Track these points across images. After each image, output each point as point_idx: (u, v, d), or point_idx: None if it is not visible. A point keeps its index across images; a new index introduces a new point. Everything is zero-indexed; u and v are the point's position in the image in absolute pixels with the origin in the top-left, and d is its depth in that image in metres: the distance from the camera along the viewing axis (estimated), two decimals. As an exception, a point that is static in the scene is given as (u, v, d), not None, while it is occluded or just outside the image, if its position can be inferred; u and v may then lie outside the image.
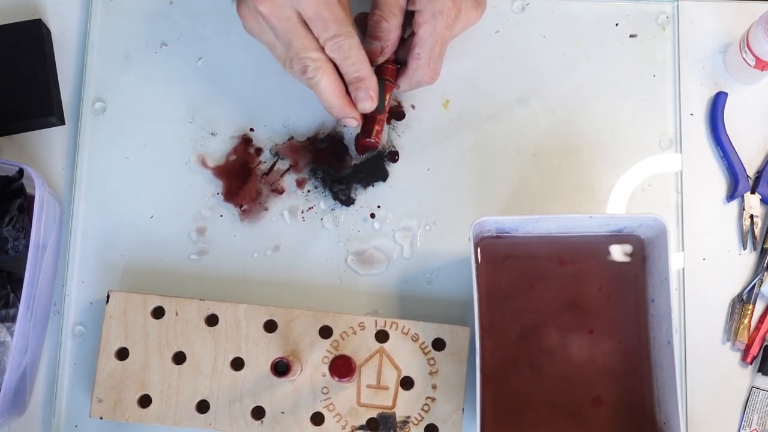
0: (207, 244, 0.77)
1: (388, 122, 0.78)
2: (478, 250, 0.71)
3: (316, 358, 0.72)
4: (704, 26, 0.79)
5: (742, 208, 0.76)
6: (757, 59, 0.73)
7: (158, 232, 0.77)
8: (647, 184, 0.77)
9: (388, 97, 0.73)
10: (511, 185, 0.77)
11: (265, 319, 0.73)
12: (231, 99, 0.79)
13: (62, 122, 0.79)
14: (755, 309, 0.75)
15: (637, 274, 0.71)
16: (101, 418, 0.72)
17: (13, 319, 0.71)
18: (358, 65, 0.69)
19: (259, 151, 0.78)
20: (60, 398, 0.75)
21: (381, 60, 0.72)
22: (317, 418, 0.71)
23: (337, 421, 0.71)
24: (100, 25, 0.80)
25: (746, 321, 0.74)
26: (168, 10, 0.81)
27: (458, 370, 0.71)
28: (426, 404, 0.71)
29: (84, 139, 0.79)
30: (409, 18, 0.73)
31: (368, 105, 0.71)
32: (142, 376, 0.72)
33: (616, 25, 0.80)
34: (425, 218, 0.77)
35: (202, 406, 0.72)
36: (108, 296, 0.73)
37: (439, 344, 0.72)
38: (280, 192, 0.77)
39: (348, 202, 0.77)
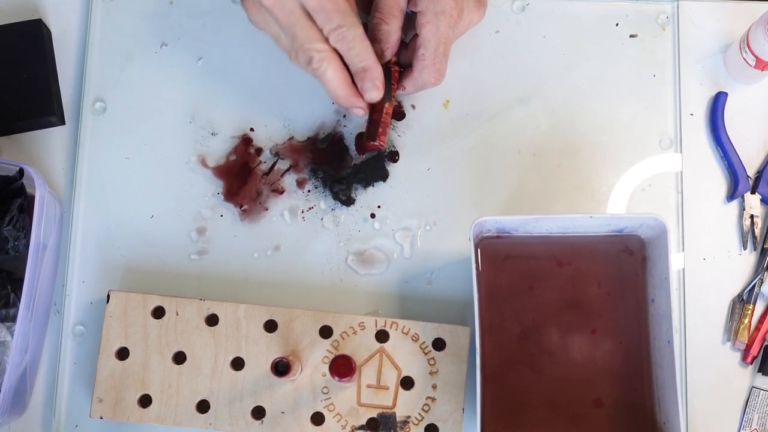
0: (207, 244, 0.77)
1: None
2: (478, 250, 0.71)
3: (316, 358, 0.72)
4: (704, 26, 0.79)
5: (742, 208, 0.76)
6: (757, 59, 0.73)
7: (158, 232, 0.77)
8: (647, 184, 0.77)
9: (395, 82, 0.73)
10: (511, 185, 0.77)
11: (266, 319, 0.73)
12: (231, 99, 0.79)
13: (62, 122, 0.79)
14: (755, 309, 0.75)
15: (637, 274, 0.71)
16: (101, 418, 0.72)
17: (13, 319, 0.71)
18: (363, 55, 0.69)
19: (259, 151, 0.78)
20: (60, 398, 0.75)
21: (381, 62, 0.72)
22: (317, 418, 0.71)
23: (337, 421, 0.71)
24: (100, 25, 0.80)
25: (746, 321, 0.74)
26: (168, 10, 0.81)
27: (458, 370, 0.71)
28: (426, 404, 0.71)
29: (84, 139, 0.79)
30: (411, 22, 0.73)
31: (375, 94, 0.71)
32: (143, 376, 0.72)
33: (616, 25, 0.80)
34: (425, 218, 0.77)
35: (203, 406, 0.72)
36: (108, 296, 0.73)
37: (439, 344, 0.72)
38: (281, 192, 0.77)
39: (348, 202, 0.77)
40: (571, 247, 0.71)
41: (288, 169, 0.78)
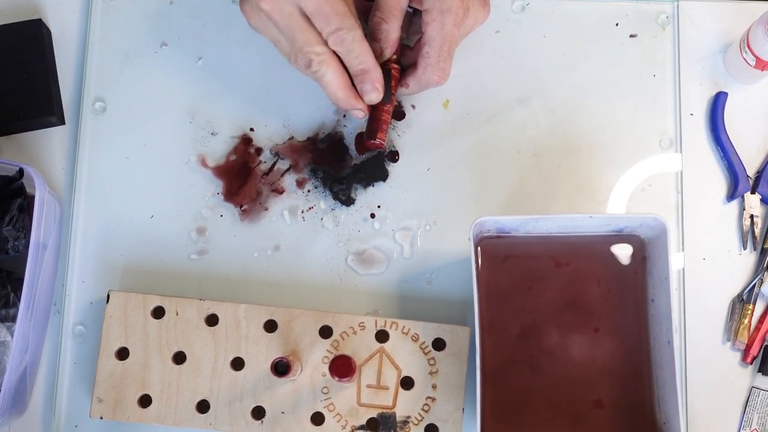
0: (207, 243, 0.77)
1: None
2: (478, 250, 0.71)
3: (316, 358, 0.72)
4: (704, 26, 0.79)
5: (742, 208, 0.76)
6: (757, 59, 0.73)
7: (158, 232, 0.77)
8: (647, 184, 0.77)
9: (395, 84, 0.73)
10: (511, 185, 0.77)
11: (265, 319, 0.73)
12: (231, 99, 0.79)
13: (62, 122, 0.79)
14: (755, 309, 0.75)
15: (637, 273, 0.71)
16: (101, 418, 0.72)
17: (13, 319, 0.71)
18: (362, 57, 0.69)
19: (259, 150, 0.78)
20: (60, 398, 0.75)
21: (380, 61, 0.72)
22: (317, 418, 0.71)
23: (337, 421, 0.71)
24: (100, 25, 0.80)
25: (746, 321, 0.74)
26: (168, 10, 0.81)
27: (458, 370, 0.71)
28: (426, 404, 0.71)
29: (84, 139, 0.79)
30: (417, 26, 0.72)
31: (374, 96, 0.71)
32: (142, 376, 0.72)
33: (616, 25, 0.80)
34: (425, 218, 0.77)
35: (202, 406, 0.72)
36: (108, 296, 0.73)
37: (439, 344, 0.72)
38: (280, 192, 0.77)
39: (348, 202, 0.77)
40: (571, 247, 0.71)
41: (288, 169, 0.78)
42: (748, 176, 0.76)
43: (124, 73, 0.80)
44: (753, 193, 0.76)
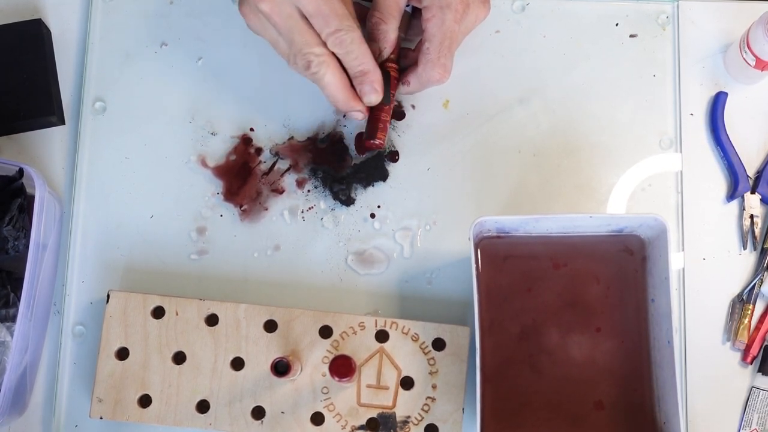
0: (207, 243, 0.77)
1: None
2: (478, 250, 0.71)
3: (316, 358, 0.72)
4: (704, 26, 0.79)
5: (742, 208, 0.76)
6: (757, 59, 0.73)
7: (158, 231, 0.77)
8: (647, 184, 0.77)
9: (394, 85, 0.73)
10: (511, 185, 0.77)
11: (265, 319, 0.73)
12: (231, 99, 0.79)
13: (62, 122, 0.79)
14: (755, 309, 0.75)
15: (637, 273, 0.71)
16: (101, 418, 0.72)
17: (13, 318, 0.71)
18: (361, 59, 0.69)
19: (259, 150, 0.78)
20: (60, 398, 0.75)
21: (379, 61, 0.72)
22: (317, 418, 0.71)
23: (337, 421, 0.71)
24: (100, 25, 0.80)
25: (746, 321, 0.74)
26: (168, 10, 0.81)
27: (458, 370, 0.71)
28: (426, 404, 0.71)
29: (84, 139, 0.79)
30: (418, 28, 0.72)
31: (373, 98, 0.71)
32: (142, 376, 0.72)
33: (616, 25, 0.80)
34: (425, 218, 0.77)
35: (202, 406, 0.72)
36: (108, 296, 0.73)
37: (439, 344, 0.72)
38: (280, 192, 0.77)
39: (348, 202, 0.77)
40: (571, 247, 0.71)
41: (288, 169, 0.78)
42: (748, 176, 0.76)
43: (124, 73, 0.80)
44: (753, 193, 0.76)
